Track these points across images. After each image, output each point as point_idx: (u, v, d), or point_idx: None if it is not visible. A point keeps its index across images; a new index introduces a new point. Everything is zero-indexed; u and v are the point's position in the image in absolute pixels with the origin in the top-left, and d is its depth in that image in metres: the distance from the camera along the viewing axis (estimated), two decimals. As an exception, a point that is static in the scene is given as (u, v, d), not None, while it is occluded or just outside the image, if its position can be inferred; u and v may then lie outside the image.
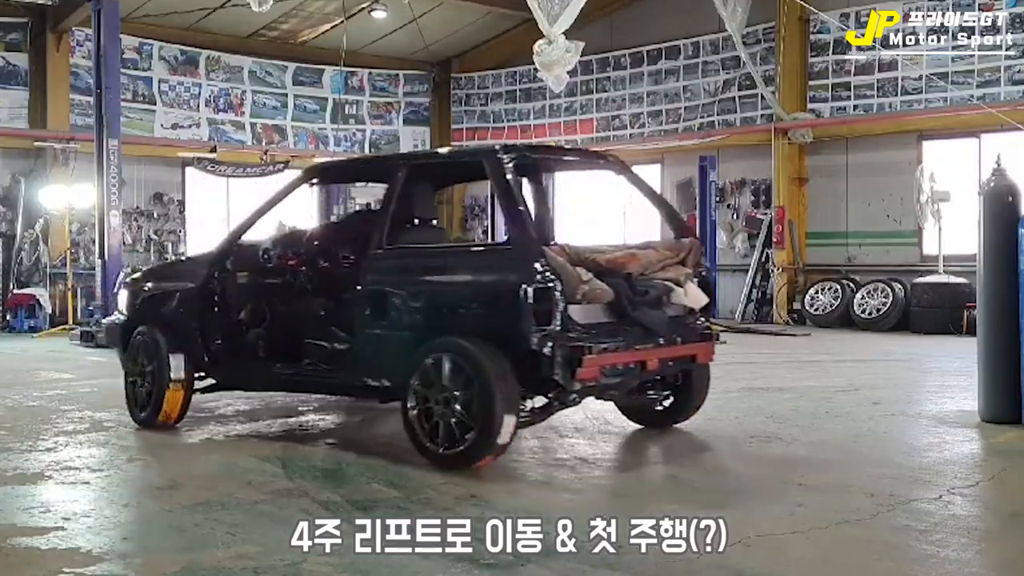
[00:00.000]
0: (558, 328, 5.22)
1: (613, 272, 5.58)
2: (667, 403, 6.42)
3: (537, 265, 5.22)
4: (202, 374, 6.84)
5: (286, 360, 6.48)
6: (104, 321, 7.92)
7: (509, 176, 5.62)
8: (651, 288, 5.78)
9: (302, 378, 6.41)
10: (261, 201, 6.89)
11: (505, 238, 5.65)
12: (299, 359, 6.39)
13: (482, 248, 5.77)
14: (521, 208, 5.58)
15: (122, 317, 7.35)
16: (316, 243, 6.83)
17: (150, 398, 6.68)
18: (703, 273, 6.20)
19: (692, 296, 6.02)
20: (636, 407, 6.49)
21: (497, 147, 5.91)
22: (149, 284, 7.29)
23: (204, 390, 6.89)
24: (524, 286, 5.21)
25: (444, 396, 5.32)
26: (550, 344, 5.19)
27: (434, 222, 6.81)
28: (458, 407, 5.26)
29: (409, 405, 5.45)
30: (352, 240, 6.49)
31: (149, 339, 6.73)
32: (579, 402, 5.74)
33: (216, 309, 6.68)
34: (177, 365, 6.61)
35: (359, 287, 5.91)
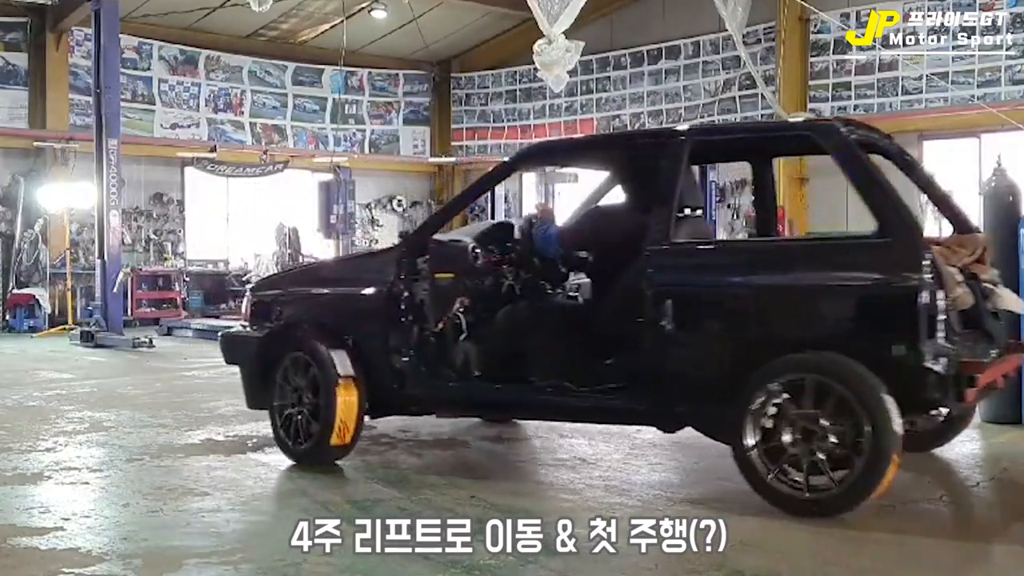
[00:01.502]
0: (942, 340, 4.38)
1: None
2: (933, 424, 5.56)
3: (926, 264, 4.36)
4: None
5: (511, 379, 5.39)
6: (230, 332, 6.51)
7: (862, 155, 4.79)
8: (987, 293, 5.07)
9: (538, 400, 5.30)
10: (463, 192, 5.87)
11: (876, 229, 4.61)
12: (528, 378, 5.34)
13: (842, 242, 4.87)
14: (895, 193, 4.65)
15: (254, 330, 6.04)
16: (556, 240, 5.71)
17: (311, 428, 5.49)
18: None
19: (1011, 300, 5.27)
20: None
21: (836, 121, 5.07)
22: (300, 290, 6.12)
23: (377, 415, 5.84)
24: (919, 289, 4.32)
25: (805, 426, 4.41)
26: (944, 360, 4.34)
27: (699, 212, 5.64)
28: (831, 440, 4.35)
29: (747, 438, 4.50)
30: (607, 235, 5.44)
31: (311, 357, 5.50)
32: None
33: (404, 319, 5.46)
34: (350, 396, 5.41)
35: (642, 290, 4.83)
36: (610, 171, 5.90)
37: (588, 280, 5.80)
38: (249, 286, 6.38)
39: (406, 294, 5.46)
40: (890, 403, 4.27)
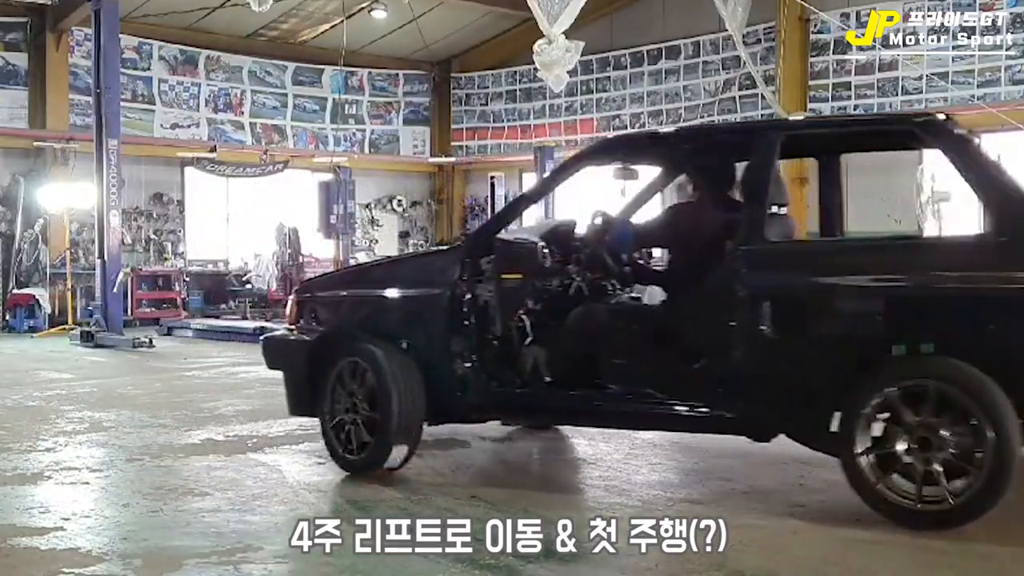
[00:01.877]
0: None
1: None
2: None
3: None
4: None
5: (585, 386, 5.10)
6: (274, 336, 6.21)
7: (974, 151, 4.61)
8: None
9: (616, 408, 5.04)
10: (529, 187, 5.47)
11: (992, 227, 4.36)
12: (604, 385, 5.08)
13: (958, 241, 4.63)
14: (1014, 191, 4.39)
15: (301, 334, 5.77)
16: (633, 240, 5.46)
17: (370, 440, 5.20)
18: None
19: None
20: None
21: (937, 115, 4.83)
22: (352, 291, 5.85)
23: (437, 423, 5.56)
24: None
25: (922, 435, 4.18)
26: None
27: (784, 210, 5.30)
28: (949, 449, 4.14)
29: (857, 448, 4.29)
30: (691, 234, 5.16)
31: (369, 363, 5.19)
32: None
33: (467, 322, 5.19)
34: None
35: (734, 292, 4.58)
36: (692, 166, 5.52)
37: (661, 281, 5.50)
38: (296, 287, 6.01)
39: (469, 296, 5.19)
40: (1012, 410, 4.09)
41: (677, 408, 4.81)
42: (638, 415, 5.03)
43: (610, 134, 19.14)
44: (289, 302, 6.07)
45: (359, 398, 5.23)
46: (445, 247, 5.52)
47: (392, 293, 5.55)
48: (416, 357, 5.24)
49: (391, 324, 5.42)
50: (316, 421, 7.05)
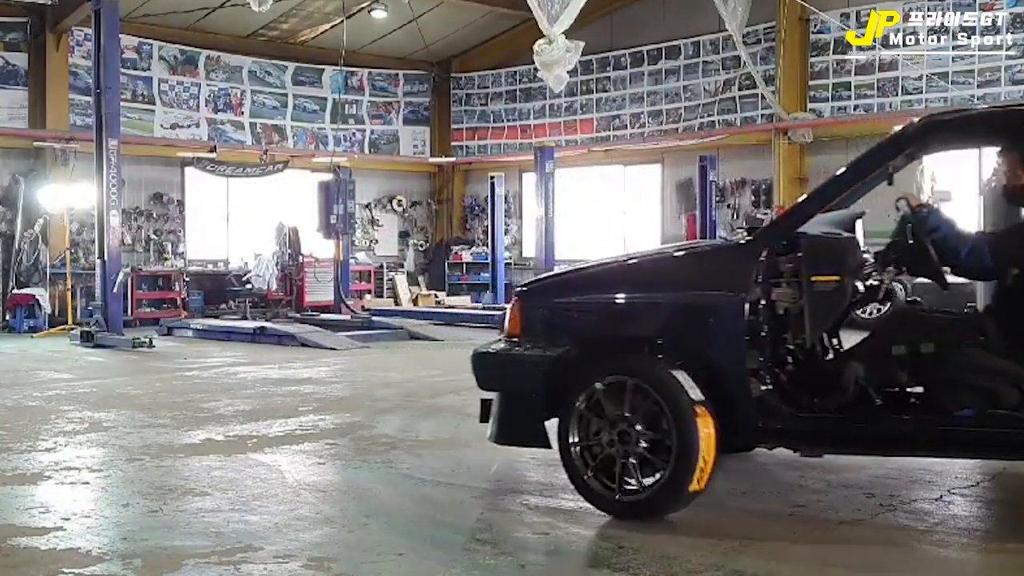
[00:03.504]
0: None
1: None
2: None
3: None
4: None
5: (921, 411, 4.44)
6: (491, 350, 4.99)
7: None
8: None
9: (980, 436, 4.24)
10: (841, 171, 4.71)
11: None
12: (946, 408, 4.32)
13: None
14: None
15: (536, 348, 4.75)
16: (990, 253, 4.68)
17: (642, 473, 4.33)
18: None
19: None
20: None
21: None
22: (602, 296, 4.76)
23: (730, 450, 4.64)
24: None
25: None
26: None
27: None
28: None
29: None
30: None
31: (652, 384, 4.31)
32: None
33: (765, 334, 4.38)
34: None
35: None
36: None
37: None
38: (517, 289, 5.11)
39: (765, 302, 4.39)
40: None
41: None
42: (1003, 443, 4.26)
43: (609, 134, 19.18)
44: (509, 309, 5.02)
45: (635, 426, 4.35)
46: (728, 242, 4.76)
47: (664, 298, 4.61)
48: (700, 376, 4.35)
49: (661, 336, 4.52)
50: (315, 423, 7.07)
